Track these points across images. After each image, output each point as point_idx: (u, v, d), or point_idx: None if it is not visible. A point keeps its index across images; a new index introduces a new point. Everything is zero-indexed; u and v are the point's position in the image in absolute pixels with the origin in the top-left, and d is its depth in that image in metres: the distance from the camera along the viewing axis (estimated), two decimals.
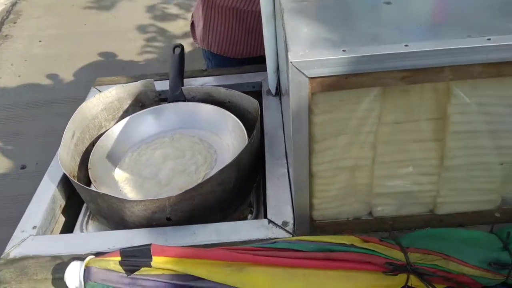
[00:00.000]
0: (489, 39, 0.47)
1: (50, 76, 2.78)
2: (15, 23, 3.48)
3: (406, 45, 0.47)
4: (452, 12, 0.56)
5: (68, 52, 2.98)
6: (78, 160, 0.84)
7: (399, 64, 0.47)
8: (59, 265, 0.65)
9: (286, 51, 0.49)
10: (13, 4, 3.73)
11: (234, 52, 1.20)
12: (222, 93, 0.94)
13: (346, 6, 0.58)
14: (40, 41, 3.19)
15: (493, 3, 0.56)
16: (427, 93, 0.54)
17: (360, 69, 0.48)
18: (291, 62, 0.47)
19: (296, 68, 0.48)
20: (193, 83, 1.02)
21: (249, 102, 0.89)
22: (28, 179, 2.07)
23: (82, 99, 1.01)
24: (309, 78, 0.48)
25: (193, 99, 0.96)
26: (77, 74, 2.75)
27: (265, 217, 0.70)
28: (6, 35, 3.31)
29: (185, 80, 1.01)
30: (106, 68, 2.77)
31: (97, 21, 3.38)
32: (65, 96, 2.56)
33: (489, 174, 0.60)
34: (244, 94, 0.90)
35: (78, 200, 0.82)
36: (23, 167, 2.17)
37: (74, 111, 0.89)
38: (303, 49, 0.48)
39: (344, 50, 0.47)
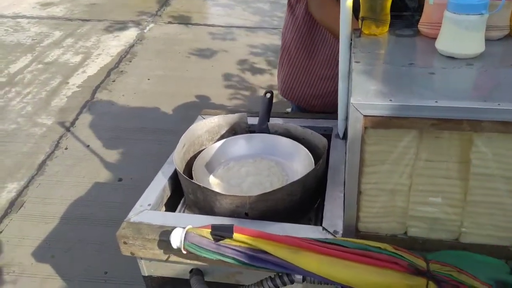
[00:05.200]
0: (499, 104, 0.65)
1: (153, 109, 3.23)
2: (130, 61, 4.09)
3: (436, 101, 0.67)
4: (480, 84, 0.74)
5: (170, 91, 3.46)
6: (184, 164, 1.10)
7: (429, 114, 0.67)
8: (165, 231, 0.89)
9: (350, 96, 0.71)
10: (131, 46, 4.40)
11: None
12: (298, 131, 1.17)
13: (399, 72, 0.79)
14: (148, 79, 3.73)
15: None
16: (454, 141, 0.72)
17: (401, 114, 0.68)
18: (352, 103, 0.69)
19: (355, 108, 0.69)
20: (276, 121, 1.27)
21: (319, 139, 1.11)
22: (123, 191, 2.44)
23: (178, 131, 1.29)
24: (363, 115, 0.69)
25: (276, 133, 1.20)
26: (176, 110, 3.18)
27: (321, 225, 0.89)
28: (121, 71, 3.91)
29: (270, 119, 1.26)
30: (200, 108, 3.15)
31: (197, 68, 3.88)
32: (164, 127, 2.98)
33: (504, 214, 0.74)
34: (316, 133, 1.13)
35: (178, 196, 1.08)
36: (120, 180, 2.54)
37: (171, 140, 1.16)
38: (361, 96, 0.70)
39: (390, 100, 0.69)
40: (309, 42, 1.39)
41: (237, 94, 3.40)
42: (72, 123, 3.09)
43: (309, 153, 1.08)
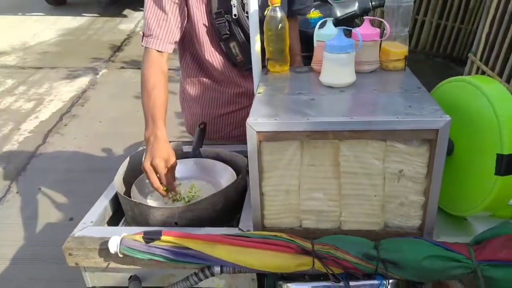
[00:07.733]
0: (352, 118, 0.89)
1: (105, 150, 3.35)
2: (82, 106, 4.21)
3: (307, 118, 0.90)
4: (345, 105, 0.99)
5: (122, 132, 3.60)
6: (124, 187, 1.27)
7: (303, 128, 0.89)
8: (104, 241, 1.04)
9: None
10: (84, 91, 4.53)
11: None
12: (226, 154, 1.38)
13: (288, 99, 1.02)
14: (100, 122, 3.86)
15: (369, 102, 0.98)
16: (327, 148, 0.94)
17: (283, 129, 0.90)
18: (247, 122, 0.90)
19: (250, 126, 0.91)
20: (209, 147, 1.46)
21: (242, 160, 1.31)
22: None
23: None
24: (256, 131, 0.91)
25: (207, 157, 1.40)
26: (128, 149, 3.31)
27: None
28: (74, 115, 4.02)
29: (204, 146, 1.45)
30: None
31: None
32: (115, 166, 3.08)
33: (370, 203, 0.96)
34: (240, 155, 1.33)
35: (119, 216, 1.23)
36: (71, 219, 2.61)
37: None
38: (256, 117, 0.92)
39: (275, 119, 0.90)
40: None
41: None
42: (23, 168, 3.14)
43: (234, 172, 1.28)
